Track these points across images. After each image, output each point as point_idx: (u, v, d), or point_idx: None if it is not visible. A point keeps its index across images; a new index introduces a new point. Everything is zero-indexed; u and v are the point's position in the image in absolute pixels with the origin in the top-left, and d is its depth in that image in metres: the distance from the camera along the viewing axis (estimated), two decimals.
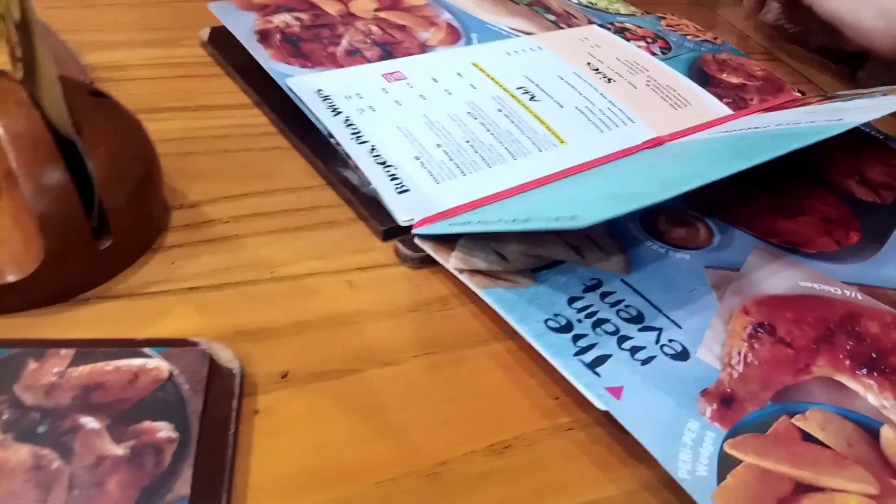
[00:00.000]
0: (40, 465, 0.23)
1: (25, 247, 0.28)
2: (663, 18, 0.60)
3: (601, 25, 0.56)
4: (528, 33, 0.53)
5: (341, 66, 0.45)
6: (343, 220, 0.36)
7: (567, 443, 0.27)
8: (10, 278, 0.28)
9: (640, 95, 0.48)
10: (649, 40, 0.55)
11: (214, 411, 0.26)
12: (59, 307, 0.29)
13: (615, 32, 0.56)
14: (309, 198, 0.37)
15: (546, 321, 0.31)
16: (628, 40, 0.55)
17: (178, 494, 0.23)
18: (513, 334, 0.30)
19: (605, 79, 0.49)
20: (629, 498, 0.26)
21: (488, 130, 0.42)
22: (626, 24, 0.57)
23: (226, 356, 0.28)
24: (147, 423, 0.25)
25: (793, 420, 0.29)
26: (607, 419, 0.28)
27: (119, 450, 0.24)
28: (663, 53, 0.54)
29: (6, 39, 0.30)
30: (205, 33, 0.47)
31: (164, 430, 0.25)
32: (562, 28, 0.55)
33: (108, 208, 0.29)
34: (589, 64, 0.51)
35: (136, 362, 0.26)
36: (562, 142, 0.42)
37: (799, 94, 0.52)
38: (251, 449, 0.25)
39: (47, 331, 0.28)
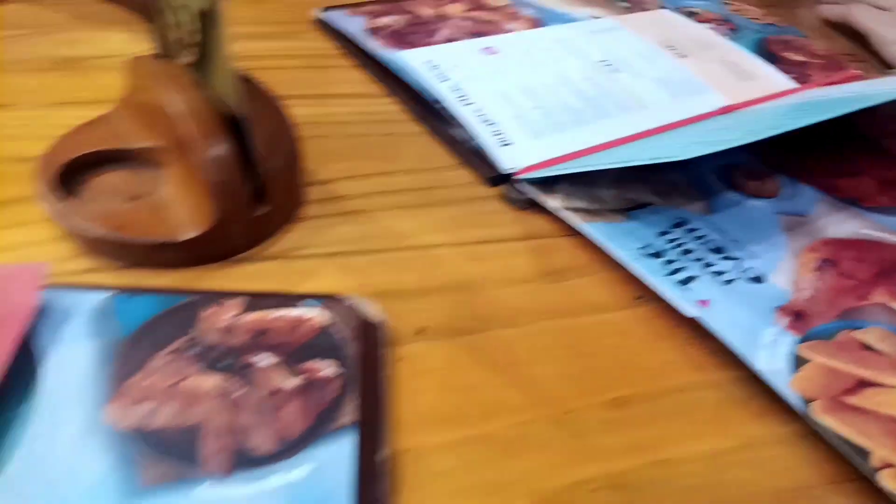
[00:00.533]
0: (227, 391, 0.27)
1: (193, 210, 0.33)
2: (728, 4, 0.64)
3: (672, 10, 0.61)
4: (595, 17, 0.58)
5: None
6: (462, 199, 0.40)
7: (683, 401, 0.31)
8: (184, 237, 0.33)
9: (712, 69, 0.53)
10: (717, 22, 0.60)
11: (368, 355, 0.30)
12: (221, 265, 0.34)
13: (685, 16, 0.60)
14: (428, 179, 0.41)
15: (639, 249, 0.36)
16: (698, 22, 0.60)
17: (347, 420, 0.27)
18: (630, 303, 0.35)
19: (680, 54, 0.54)
20: (744, 451, 0.29)
21: (576, 96, 0.47)
22: (695, 9, 0.62)
23: (371, 310, 0.32)
24: (313, 362, 0.29)
25: (854, 333, 0.33)
26: (721, 384, 0.31)
27: (292, 382, 0.28)
28: (731, 33, 0.58)
29: (169, 29, 0.35)
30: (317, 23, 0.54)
31: (329, 368, 0.29)
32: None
33: (266, 179, 0.34)
34: (663, 42, 0.55)
35: (296, 312, 0.31)
36: (643, 106, 0.47)
37: (860, 73, 0.57)
38: (399, 389, 0.29)
39: (214, 284, 0.33)
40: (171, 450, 0.25)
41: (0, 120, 0.41)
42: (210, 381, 0.28)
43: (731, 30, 0.59)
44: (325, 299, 0.32)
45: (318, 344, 0.30)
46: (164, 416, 0.26)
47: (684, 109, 0.48)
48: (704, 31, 0.58)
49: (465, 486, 0.27)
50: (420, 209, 0.39)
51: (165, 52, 0.37)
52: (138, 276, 0.33)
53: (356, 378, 0.29)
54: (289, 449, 0.26)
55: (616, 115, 0.46)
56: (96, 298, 0.30)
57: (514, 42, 0.52)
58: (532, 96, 0.47)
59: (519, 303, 0.34)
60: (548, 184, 0.40)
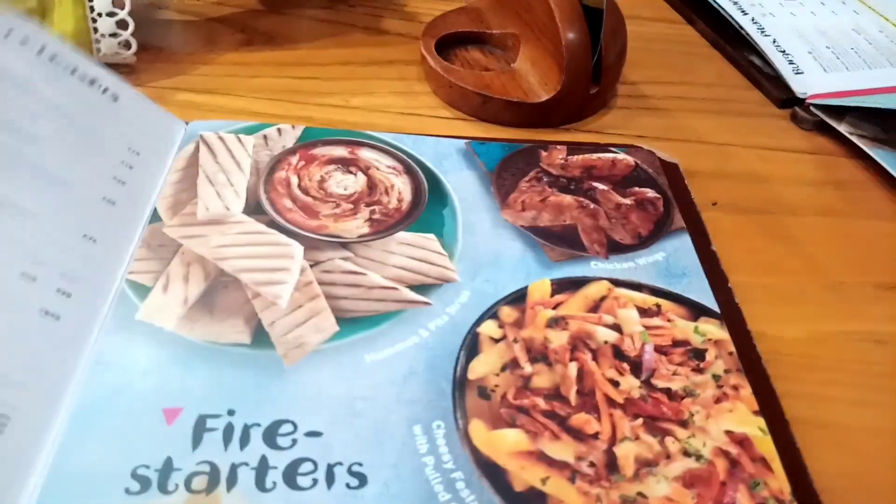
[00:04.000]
0: (582, 205, 0.36)
1: (541, 82, 0.42)
2: None
3: None
4: None
5: None
6: (754, 113, 0.46)
7: None
8: (536, 99, 0.41)
9: None
10: None
11: (675, 184, 0.38)
12: (551, 130, 0.42)
13: None
14: (722, 93, 0.47)
15: None
16: None
17: (678, 226, 0.35)
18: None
19: None
20: None
21: (870, 43, 0.50)
22: None
23: (665, 155, 0.40)
24: (637, 188, 0.37)
25: None
26: None
27: (627, 200, 0.37)
28: None
29: None
30: None
31: (650, 192, 0.37)
32: None
33: (605, 64, 0.42)
34: None
35: (610, 155, 0.39)
36: None
37: None
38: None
39: (545, 139, 0.41)
40: (562, 240, 0.34)
41: (379, 2, 0.52)
42: (568, 198, 0.36)
43: None
44: (629, 147, 0.40)
45: (635, 176, 0.38)
46: (546, 219, 0.35)
47: None
48: None
49: None
50: (715, 115, 0.45)
51: None
52: (487, 128, 0.42)
53: (672, 200, 0.37)
54: (644, 242, 0.34)
55: None
56: (459, 143, 0.39)
57: None
58: (826, 37, 0.50)
59: (802, 199, 0.39)
60: (836, 111, 0.44)
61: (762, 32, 0.50)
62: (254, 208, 0.33)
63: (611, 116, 0.44)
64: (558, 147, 0.39)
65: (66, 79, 0.31)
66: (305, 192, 0.34)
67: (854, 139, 0.42)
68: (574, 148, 0.40)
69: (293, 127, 0.38)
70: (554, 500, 0.24)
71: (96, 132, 0.31)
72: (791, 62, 0.48)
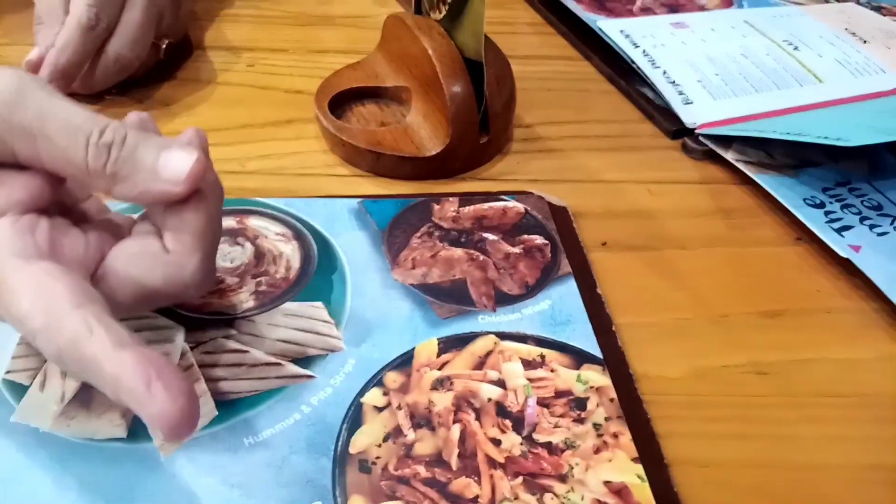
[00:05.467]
0: (472, 258, 0.37)
1: (432, 135, 0.42)
2: None
3: (859, 3, 0.64)
4: (797, 3, 0.62)
5: (636, 17, 0.57)
6: (646, 147, 0.47)
7: (830, 319, 0.36)
8: (428, 153, 0.41)
9: (893, 55, 0.55)
10: None
11: (564, 228, 0.39)
12: (445, 182, 0.42)
13: (872, 9, 0.63)
14: (617, 129, 0.48)
15: (804, 199, 0.41)
16: (884, 16, 0.62)
17: (566, 271, 0.36)
18: (790, 241, 0.40)
19: (861, 40, 0.57)
20: (879, 363, 0.34)
21: (757, 67, 0.52)
22: (883, 4, 0.64)
23: (555, 199, 0.40)
24: (525, 236, 0.38)
25: None
26: (866, 311, 0.36)
27: (516, 249, 0.37)
28: None
29: None
30: None
31: (539, 239, 0.38)
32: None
33: (491, 113, 0.43)
34: (846, 29, 0.58)
35: (501, 204, 0.40)
36: (820, 81, 0.52)
37: None
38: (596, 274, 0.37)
39: (438, 191, 0.41)
40: (450, 296, 0.34)
41: (279, 61, 0.53)
42: (458, 252, 0.37)
43: None
44: (518, 194, 0.41)
45: (525, 223, 0.39)
46: (436, 275, 0.35)
47: (860, 87, 0.51)
48: (890, 23, 0.60)
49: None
50: (608, 152, 0.46)
51: (418, 10, 0.46)
52: (382, 183, 0.42)
53: (559, 245, 0.38)
54: (531, 291, 0.35)
55: (793, 86, 0.51)
56: (352, 203, 0.40)
57: (704, 19, 0.58)
58: (714, 64, 0.52)
59: (690, 231, 0.41)
60: (724, 139, 0.46)
61: (653, 65, 0.52)
62: None
63: (505, 162, 0.45)
64: (450, 199, 0.40)
65: None
66: None
67: (740, 166, 0.44)
68: (466, 199, 0.40)
69: None
70: None
71: None
72: (681, 93, 0.49)
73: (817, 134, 0.42)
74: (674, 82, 0.50)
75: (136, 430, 0.28)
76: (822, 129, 0.43)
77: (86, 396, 0.29)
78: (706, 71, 0.52)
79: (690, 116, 0.47)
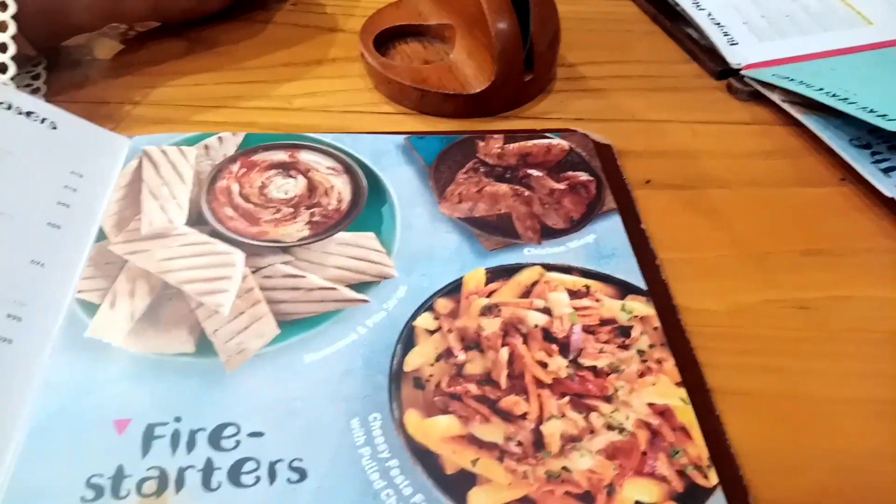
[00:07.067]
0: (517, 192, 0.37)
1: (477, 73, 0.43)
2: None
3: None
4: None
5: None
6: (689, 88, 0.47)
7: (871, 258, 0.36)
8: (472, 91, 0.42)
9: None
10: None
11: (608, 165, 0.39)
12: (488, 119, 0.43)
13: None
14: (659, 69, 0.48)
15: (850, 140, 0.41)
16: None
17: (609, 207, 0.37)
18: (834, 182, 0.40)
19: None
20: None
21: (802, 10, 0.51)
22: None
23: (599, 137, 0.41)
24: (570, 172, 0.39)
25: None
26: None
27: (561, 185, 0.38)
28: None
29: None
30: None
31: (583, 175, 0.38)
32: None
33: (536, 51, 0.43)
34: None
35: (545, 141, 0.41)
36: (869, 23, 0.51)
37: None
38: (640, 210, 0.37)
39: (482, 128, 0.42)
40: (496, 229, 0.35)
41: (322, 1, 0.53)
42: (504, 187, 0.37)
43: None
44: (563, 132, 0.41)
45: (569, 160, 0.39)
46: (482, 209, 0.36)
47: None
48: None
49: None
50: (651, 92, 0.46)
51: None
52: (427, 121, 0.43)
53: (605, 181, 0.38)
54: (576, 225, 0.36)
55: (839, 28, 0.50)
56: (399, 139, 0.40)
57: None
58: (759, 6, 0.51)
59: (734, 171, 0.41)
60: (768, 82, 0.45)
61: (697, 6, 0.51)
62: (196, 219, 0.34)
63: (548, 101, 0.45)
64: (495, 136, 0.41)
65: (2, 114, 0.32)
66: (246, 199, 0.35)
67: (786, 107, 0.44)
68: (510, 136, 0.41)
69: (234, 134, 0.39)
70: (483, 479, 0.26)
71: (36, 162, 0.33)
72: (726, 34, 0.49)
73: (864, 104, 0.41)
74: (718, 23, 0.50)
75: (204, 345, 0.29)
76: (874, 99, 0.42)
77: (155, 314, 0.30)
78: (752, 14, 0.51)
79: (736, 57, 0.47)
